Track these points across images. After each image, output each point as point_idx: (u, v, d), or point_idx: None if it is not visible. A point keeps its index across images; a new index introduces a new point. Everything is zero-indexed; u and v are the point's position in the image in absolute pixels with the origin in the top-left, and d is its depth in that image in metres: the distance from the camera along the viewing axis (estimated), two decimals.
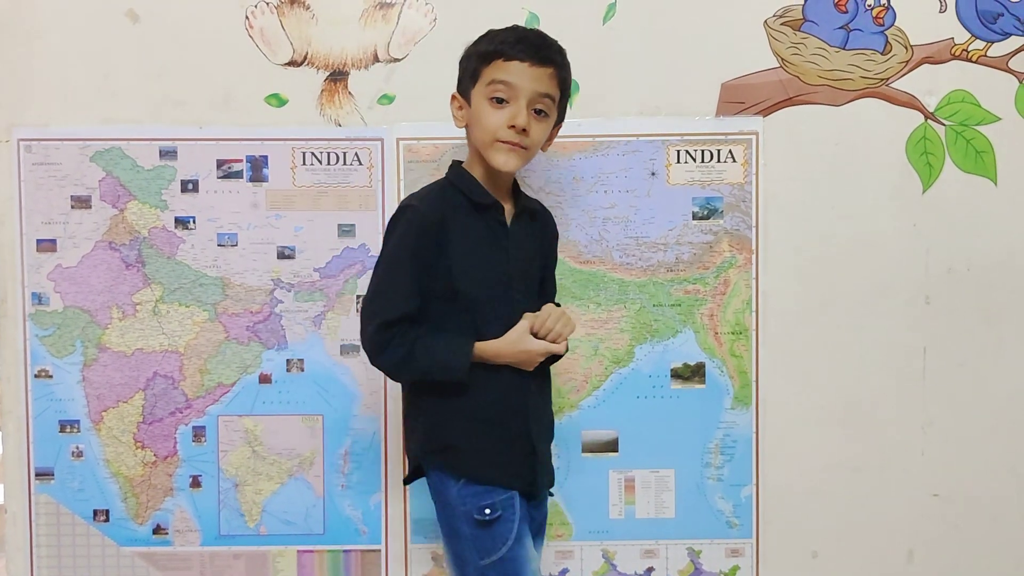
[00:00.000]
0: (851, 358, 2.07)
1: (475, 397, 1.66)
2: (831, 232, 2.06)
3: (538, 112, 1.66)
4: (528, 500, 1.72)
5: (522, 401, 1.70)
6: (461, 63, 1.73)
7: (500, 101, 1.65)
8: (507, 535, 1.66)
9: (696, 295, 2.06)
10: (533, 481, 1.71)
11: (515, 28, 1.71)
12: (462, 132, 2.05)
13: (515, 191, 1.77)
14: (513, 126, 1.63)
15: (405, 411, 1.77)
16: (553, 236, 1.87)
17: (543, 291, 1.82)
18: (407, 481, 1.78)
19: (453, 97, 1.74)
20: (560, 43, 1.71)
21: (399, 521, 2.09)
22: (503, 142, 1.65)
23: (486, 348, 1.65)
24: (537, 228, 1.80)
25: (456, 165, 1.75)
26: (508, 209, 1.73)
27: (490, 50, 1.67)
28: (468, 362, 1.63)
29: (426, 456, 1.71)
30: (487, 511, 1.65)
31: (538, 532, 1.78)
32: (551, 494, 1.83)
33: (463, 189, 1.70)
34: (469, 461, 1.67)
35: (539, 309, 1.70)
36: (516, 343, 1.66)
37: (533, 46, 1.65)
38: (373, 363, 1.66)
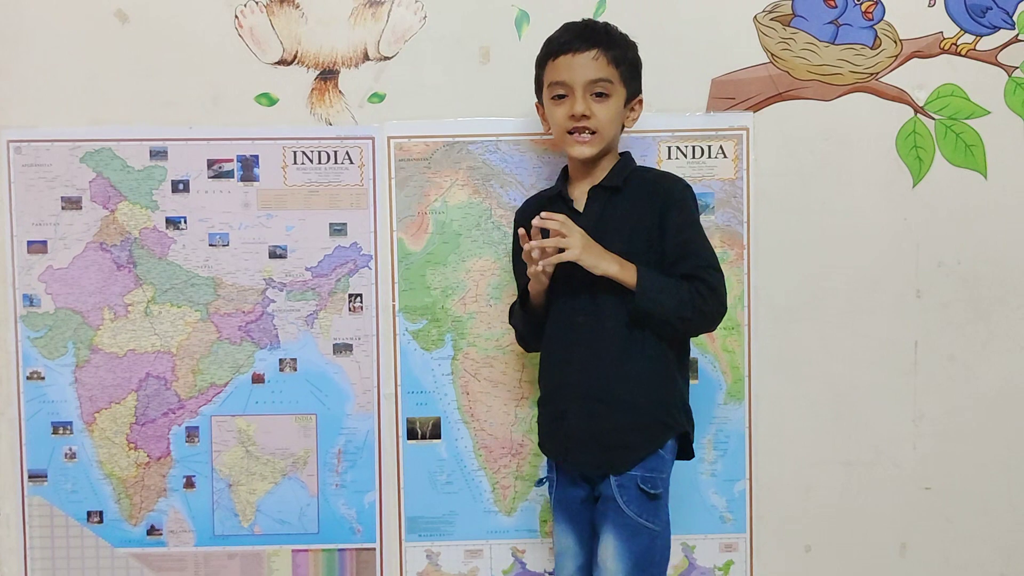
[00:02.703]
0: (843, 352, 2.08)
1: (542, 357, 1.83)
2: (822, 227, 2.06)
3: (598, 95, 1.72)
4: (575, 474, 1.75)
5: (558, 357, 1.76)
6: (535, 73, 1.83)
7: (562, 97, 1.74)
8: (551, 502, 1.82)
9: None
10: (561, 449, 1.76)
11: (563, 26, 1.80)
12: (453, 129, 2.06)
13: (613, 171, 1.77)
14: (573, 115, 1.71)
15: None
16: (663, 205, 1.72)
17: (671, 267, 1.70)
18: None
19: (536, 106, 1.85)
20: (609, 25, 1.77)
21: (393, 520, 2.09)
22: (570, 133, 1.73)
23: None
24: (630, 203, 1.74)
25: (565, 166, 1.86)
26: (587, 193, 1.77)
27: (542, 55, 1.78)
28: (522, 296, 1.82)
29: None
30: (543, 480, 1.87)
31: (604, 520, 1.71)
32: (644, 487, 1.69)
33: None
34: None
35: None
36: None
37: (573, 37, 1.74)
38: None
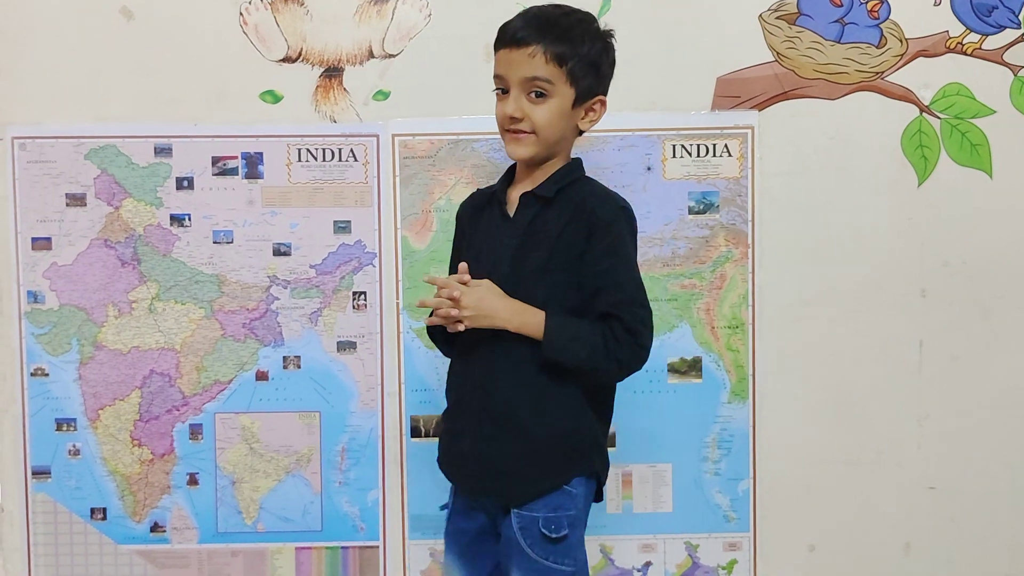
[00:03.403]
0: (847, 352, 2.07)
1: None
2: (827, 226, 2.06)
3: (537, 95, 1.56)
4: (471, 503, 1.64)
5: (459, 372, 1.66)
6: None
7: (504, 92, 1.60)
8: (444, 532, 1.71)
9: (692, 290, 2.06)
10: (456, 471, 1.66)
11: (520, 13, 1.62)
12: (458, 127, 2.06)
13: (550, 179, 1.61)
14: (506, 115, 1.58)
15: None
16: (590, 227, 1.56)
17: (590, 298, 1.55)
18: None
19: None
20: (568, 15, 1.58)
21: (397, 517, 2.09)
22: (507, 132, 1.60)
23: None
24: (559, 217, 1.58)
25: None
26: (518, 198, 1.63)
27: (494, 43, 1.63)
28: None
29: None
30: (445, 505, 1.72)
31: (510, 562, 1.58)
32: (544, 530, 1.56)
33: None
34: None
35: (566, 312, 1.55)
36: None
37: (518, 28, 1.57)
38: None
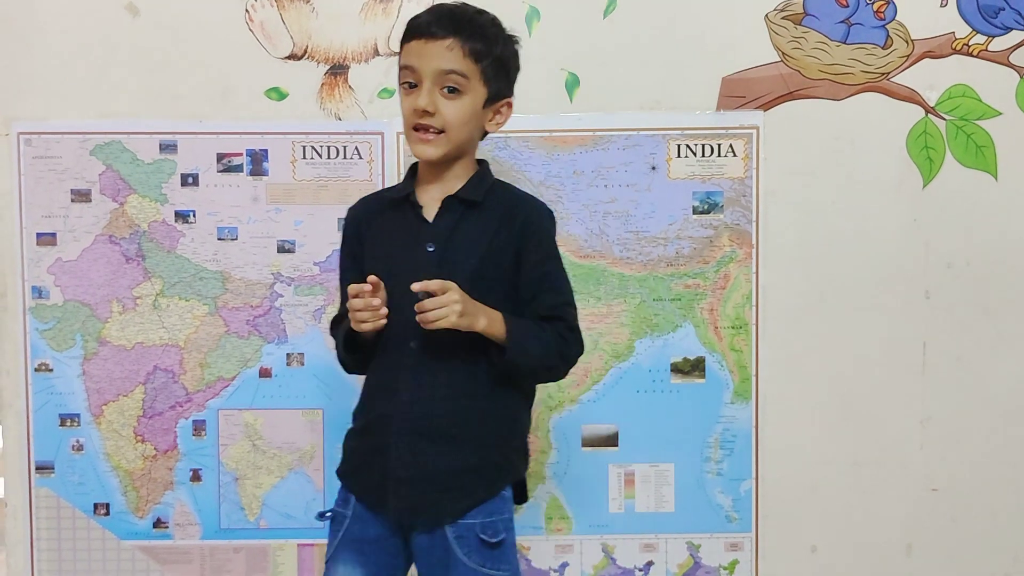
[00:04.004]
0: (850, 352, 2.07)
1: (364, 384, 1.64)
2: (831, 226, 2.06)
3: (450, 91, 1.52)
4: (383, 516, 1.57)
5: (385, 384, 1.57)
6: None
7: (412, 87, 1.54)
8: (331, 543, 1.61)
9: (696, 289, 2.06)
10: (376, 488, 1.56)
11: (432, 7, 1.61)
12: None
13: (471, 182, 1.59)
14: (416, 109, 1.52)
15: None
16: (524, 230, 1.57)
17: (528, 301, 1.56)
18: None
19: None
20: (481, 13, 1.57)
21: None
22: (415, 129, 1.54)
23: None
24: (488, 221, 1.56)
25: (414, 163, 1.65)
26: (439, 201, 1.58)
27: (402, 35, 1.57)
28: (345, 326, 1.56)
29: None
30: (327, 513, 1.64)
31: (437, 569, 1.54)
32: (484, 536, 1.53)
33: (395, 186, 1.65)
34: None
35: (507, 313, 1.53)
36: None
37: (432, 20, 1.53)
38: None
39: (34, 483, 2.07)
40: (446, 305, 1.44)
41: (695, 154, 2.05)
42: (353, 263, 1.64)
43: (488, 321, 1.49)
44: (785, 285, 2.06)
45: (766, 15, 2.03)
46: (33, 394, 2.06)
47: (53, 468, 2.07)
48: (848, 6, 2.03)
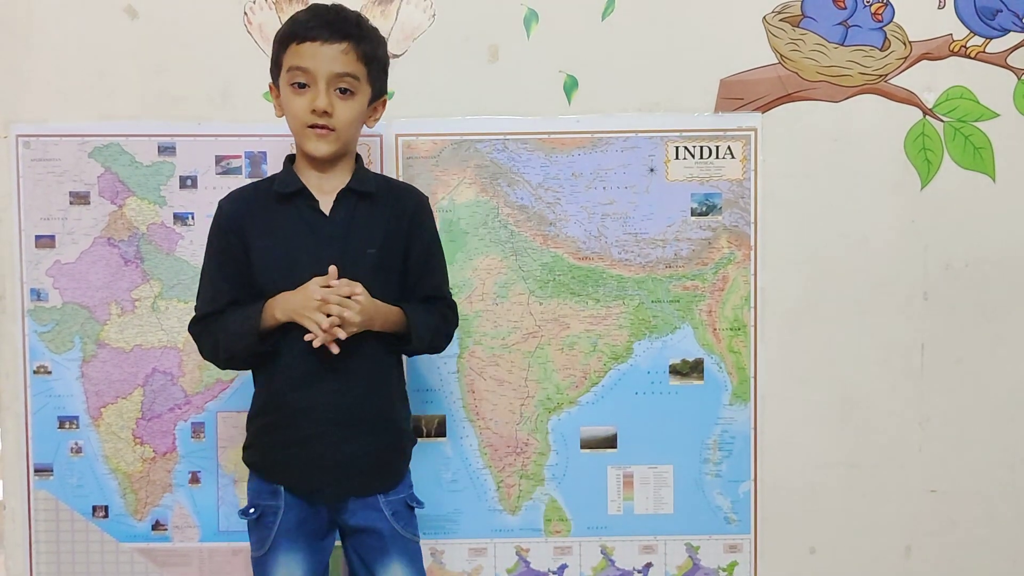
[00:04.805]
0: (849, 354, 2.07)
1: (265, 377, 1.67)
2: (829, 228, 2.06)
3: (342, 92, 1.62)
4: (319, 503, 1.66)
5: (300, 379, 1.62)
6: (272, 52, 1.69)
7: (302, 86, 1.62)
8: (263, 537, 1.67)
9: (695, 291, 2.06)
10: (304, 478, 1.64)
11: (312, 7, 1.68)
12: (461, 128, 2.06)
13: (358, 174, 1.68)
14: (315, 110, 1.60)
15: None
16: (414, 217, 1.70)
17: (414, 284, 1.70)
18: None
19: (270, 87, 1.71)
20: (361, 16, 1.67)
21: None
22: (310, 127, 1.62)
23: (273, 300, 1.60)
24: (381, 211, 1.67)
25: (288, 157, 1.73)
26: (330, 195, 1.66)
27: (286, 34, 1.64)
28: (258, 318, 1.58)
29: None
30: (251, 510, 1.68)
31: (385, 554, 1.67)
32: (411, 504, 1.72)
33: (275, 180, 1.69)
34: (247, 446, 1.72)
35: (398, 302, 1.65)
36: (299, 291, 1.57)
37: (323, 24, 1.61)
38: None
39: (33, 485, 2.07)
40: (352, 309, 1.55)
41: (693, 156, 2.05)
42: (231, 259, 1.66)
43: (384, 317, 1.62)
44: (784, 287, 2.06)
45: (764, 17, 2.04)
46: (32, 396, 2.06)
47: (52, 470, 2.07)
48: (846, 8, 2.03)
